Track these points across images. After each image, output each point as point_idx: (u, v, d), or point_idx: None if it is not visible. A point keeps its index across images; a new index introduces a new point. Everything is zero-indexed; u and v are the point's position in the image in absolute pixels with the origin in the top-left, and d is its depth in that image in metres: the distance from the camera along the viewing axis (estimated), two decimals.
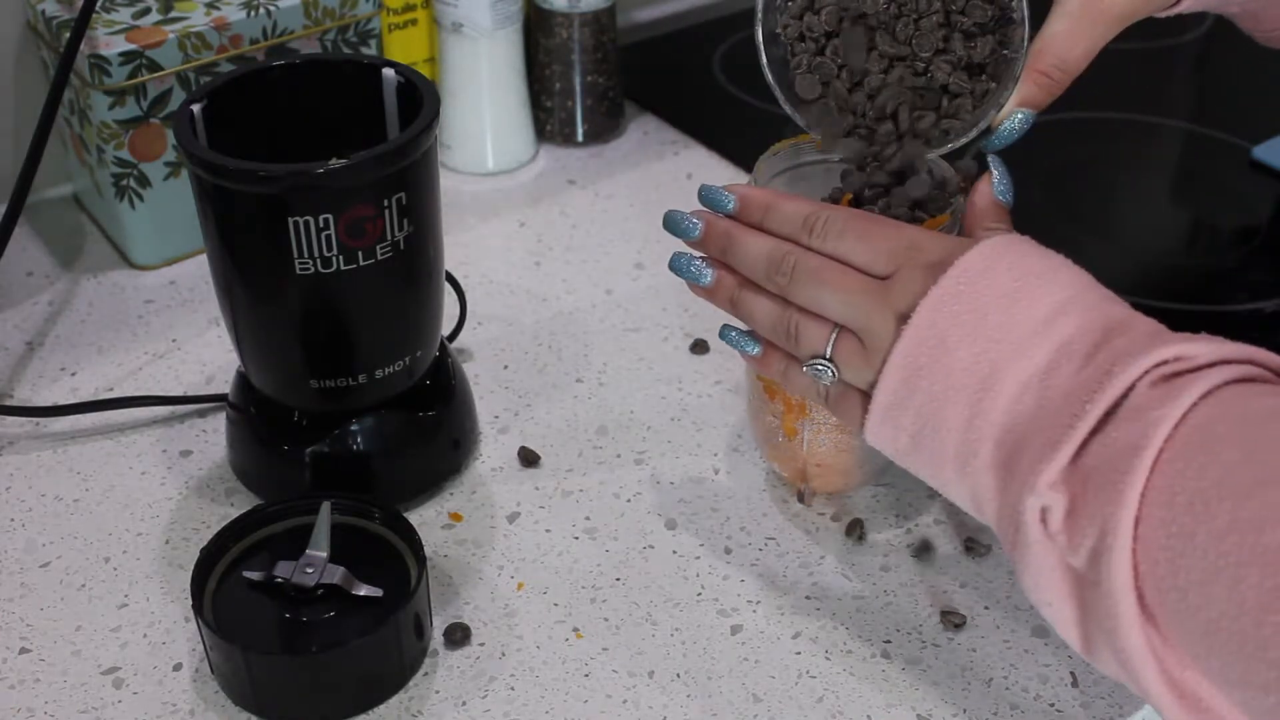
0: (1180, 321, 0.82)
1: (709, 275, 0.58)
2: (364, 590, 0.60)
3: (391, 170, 0.59)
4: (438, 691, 0.60)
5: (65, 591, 0.64)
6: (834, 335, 0.53)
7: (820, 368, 0.54)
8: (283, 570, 0.60)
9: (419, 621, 0.60)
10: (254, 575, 0.60)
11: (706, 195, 0.58)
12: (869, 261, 0.53)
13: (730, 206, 0.57)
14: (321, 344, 0.64)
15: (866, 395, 0.53)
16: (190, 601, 0.59)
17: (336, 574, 0.59)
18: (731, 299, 0.57)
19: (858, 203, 0.60)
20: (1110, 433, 0.45)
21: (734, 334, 0.59)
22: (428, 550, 0.66)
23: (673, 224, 0.58)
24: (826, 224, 0.54)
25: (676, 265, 0.59)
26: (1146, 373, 0.46)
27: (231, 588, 0.60)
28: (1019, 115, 0.59)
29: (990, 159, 0.58)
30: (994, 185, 0.57)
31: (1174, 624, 0.44)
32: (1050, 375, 0.48)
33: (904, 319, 0.50)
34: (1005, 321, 0.49)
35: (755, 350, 0.58)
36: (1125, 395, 0.46)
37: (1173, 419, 0.44)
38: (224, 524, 0.62)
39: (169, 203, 0.85)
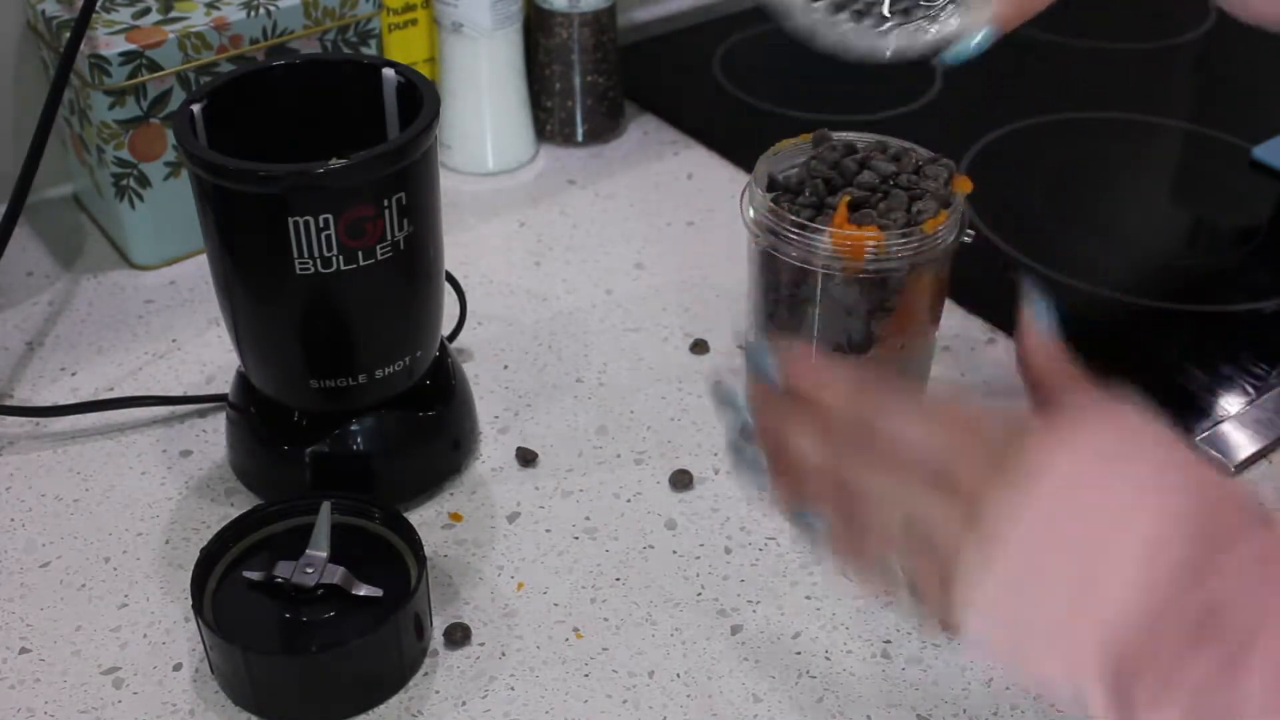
0: (1180, 321, 0.83)
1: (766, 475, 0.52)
2: (364, 590, 0.60)
3: (391, 170, 0.59)
4: (437, 691, 0.60)
5: (65, 591, 0.64)
6: (913, 570, 0.49)
7: (903, 599, 0.49)
8: (283, 570, 0.60)
9: (419, 621, 0.60)
10: (254, 575, 0.60)
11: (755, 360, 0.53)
12: (931, 455, 0.48)
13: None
14: (321, 344, 0.64)
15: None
16: (190, 601, 0.59)
17: (336, 574, 0.60)
18: (794, 494, 0.52)
19: (856, 205, 0.60)
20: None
21: (802, 529, 0.52)
22: (428, 550, 0.66)
23: (745, 468, 0.53)
24: (883, 419, 0.49)
25: (736, 455, 0.53)
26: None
27: (231, 588, 0.60)
28: (984, 31, 0.56)
29: (1026, 284, 0.53)
30: (1038, 321, 0.53)
31: None
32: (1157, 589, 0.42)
33: (975, 521, 0.45)
34: (1101, 538, 0.44)
35: (825, 551, 0.51)
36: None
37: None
38: (224, 524, 0.62)
39: (169, 203, 0.85)
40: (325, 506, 0.62)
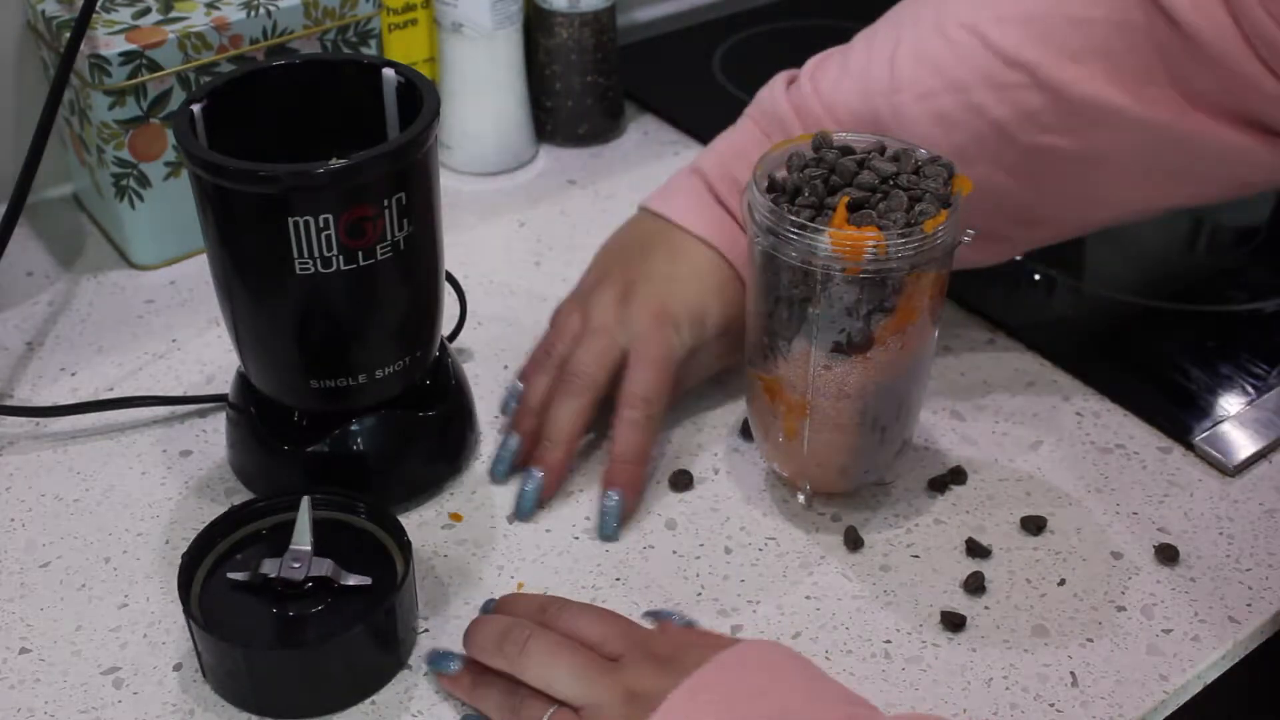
0: (1181, 321, 0.83)
1: (455, 664, 0.59)
2: (352, 580, 0.60)
3: (391, 170, 0.59)
4: (437, 691, 0.60)
5: (65, 591, 0.64)
6: (553, 710, 0.54)
7: None
8: (269, 567, 0.60)
9: (411, 609, 0.61)
10: (240, 575, 0.60)
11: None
12: (600, 640, 0.56)
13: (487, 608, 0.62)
14: (321, 344, 0.64)
15: None
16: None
17: (324, 566, 0.60)
18: (470, 683, 0.58)
19: (855, 206, 0.60)
20: None
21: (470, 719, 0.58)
22: (427, 551, 0.66)
23: (437, 664, 0.60)
24: (562, 606, 0.59)
25: (430, 659, 0.60)
26: None
27: (218, 588, 0.60)
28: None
29: None
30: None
31: None
32: None
33: (635, 698, 0.52)
34: (752, 712, 0.50)
35: None
36: None
37: None
38: (203, 526, 0.62)
39: (169, 203, 0.85)
40: (304, 501, 0.62)
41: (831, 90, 0.72)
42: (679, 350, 0.70)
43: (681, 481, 0.70)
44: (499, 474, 0.70)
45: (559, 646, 0.55)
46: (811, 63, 0.75)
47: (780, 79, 0.75)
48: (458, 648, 0.61)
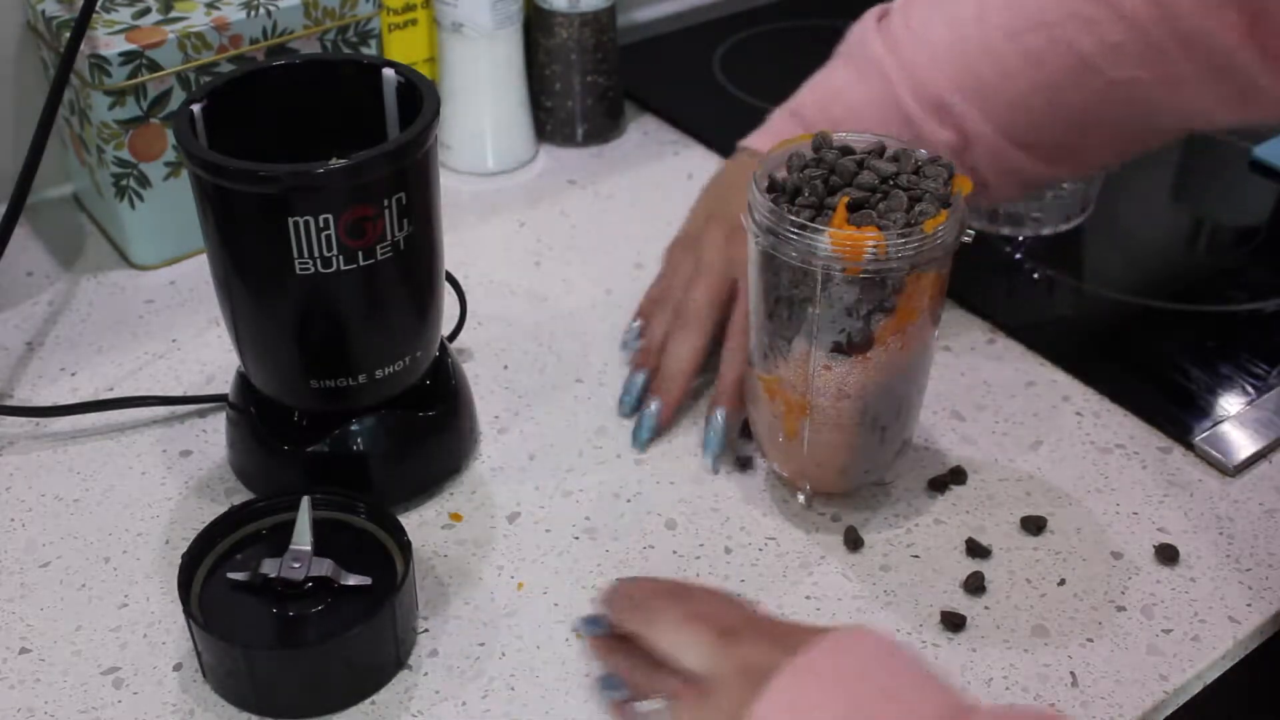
0: (1181, 321, 0.83)
1: (599, 627, 0.59)
2: (353, 580, 0.60)
3: (391, 170, 0.59)
4: (437, 691, 0.60)
5: (65, 591, 0.64)
6: (677, 682, 0.55)
7: (656, 706, 0.56)
8: (269, 567, 0.60)
9: (411, 608, 0.61)
10: (240, 575, 0.60)
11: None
12: (722, 615, 0.57)
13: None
14: (321, 344, 0.64)
15: None
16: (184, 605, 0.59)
17: (324, 566, 0.60)
18: (609, 647, 0.59)
19: (855, 206, 0.60)
20: None
21: (607, 680, 0.59)
22: (427, 551, 0.66)
23: (586, 626, 0.60)
24: (687, 583, 0.62)
25: (581, 623, 0.62)
26: None
27: (218, 588, 0.60)
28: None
29: None
30: None
31: None
32: None
33: (750, 671, 0.53)
34: (859, 693, 0.51)
35: (619, 695, 0.58)
36: None
37: None
38: (203, 527, 0.62)
39: (169, 203, 0.85)
40: (304, 501, 0.62)
41: (923, 28, 0.74)
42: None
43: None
44: (626, 407, 0.74)
45: (684, 618, 0.57)
46: (901, 1, 0.77)
47: (871, 15, 0.77)
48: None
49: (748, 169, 0.74)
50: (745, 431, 0.73)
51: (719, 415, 0.72)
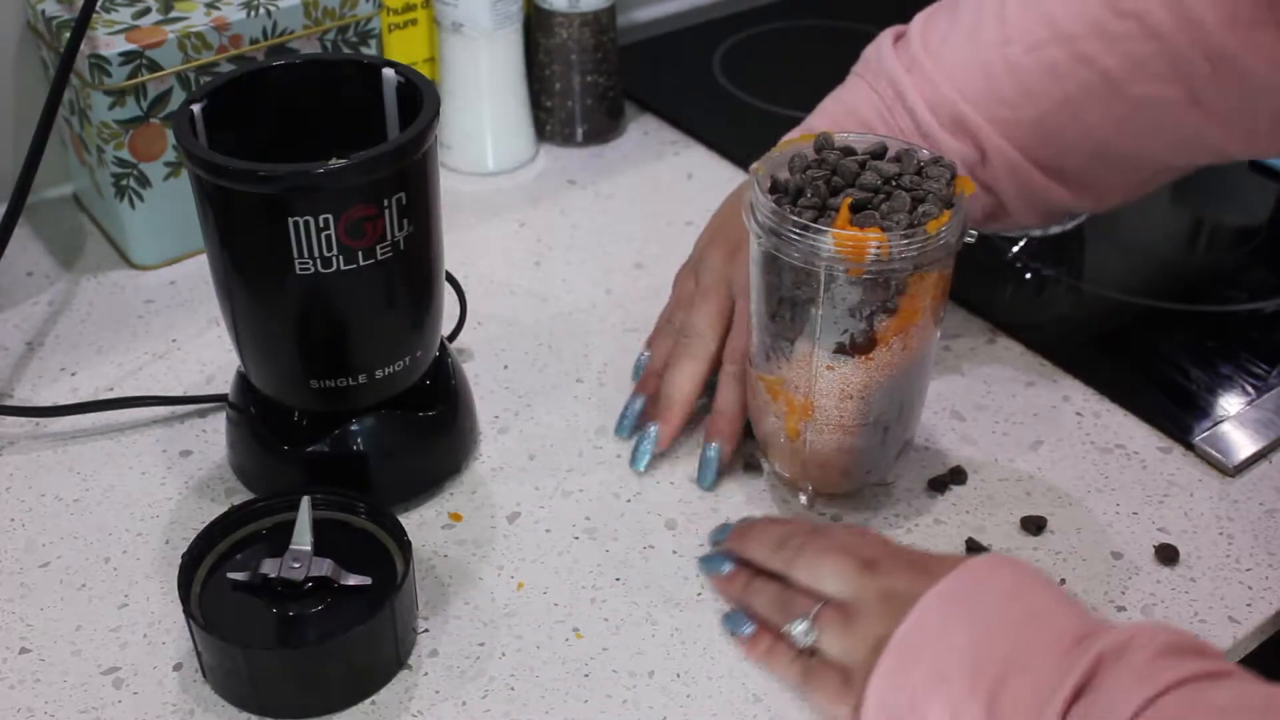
0: (1181, 321, 0.83)
1: (727, 565, 0.64)
2: (353, 580, 0.60)
3: (391, 170, 0.59)
4: (437, 691, 0.60)
5: (65, 591, 0.64)
6: (820, 605, 0.58)
7: (799, 628, 0.58)
8: (269, 567, 0.60)
9: (411, 608, 0.61)
10: (240, 575, 0.60)
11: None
12: (859, 546, 0.60)
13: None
14: (321, 344, 0.64)
15: (839, 671, 0.57)
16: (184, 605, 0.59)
17: (324, 566, 0.60)
18: (743, 585, 0.63)
19: (858, 207, 0.60)
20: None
21: (734, 619, 0.62)
22: (427, 551, 0.66)
23: (709, 565, 0.65)
24: (818, 525, 0.65)
25: (702, 561, 0.66)
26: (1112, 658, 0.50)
27: (219, 588, 0.60)
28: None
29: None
30: None
31: None
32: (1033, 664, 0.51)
33: (892, 598, 0.56)
34: (1004, 614, 0.53)
35: (748, 631, 0.62)
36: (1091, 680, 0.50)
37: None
38: (203, 526, 0.62)
39: (169, 203, 0.85)
40: (305, 501, 0.62)
41: (941, 45, 0.73)
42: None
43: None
44: (622, 432, 0.74)
45: (827, 550, 0.60)
46: (920, 18, 0.75)
47: (887, 35, 0.76)
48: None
49: None
50: (748, 432, 0.73)
51: (712, 450, 0.71)
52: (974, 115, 0.71)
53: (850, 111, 0.74)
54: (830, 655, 0.57)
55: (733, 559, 0.64)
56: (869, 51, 0.76)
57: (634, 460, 0.72)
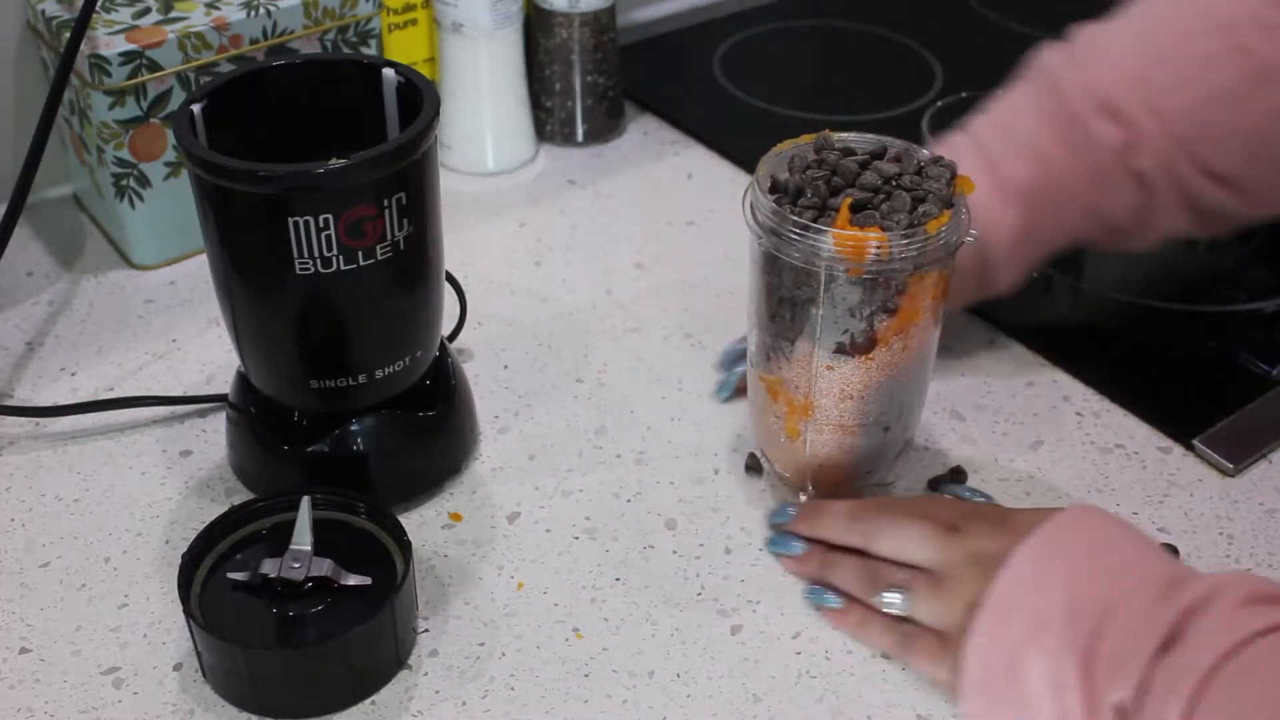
0: (1181, 321, 0.83)
1: (798, 545, 0.65)
2: (353, 580, 0.60)
3: (391, 170, 0.59)
4: (437, 691, 0.60)
5: (65, 591, 0.64)
6: (910, 574, 0.60)
7: (892, 598, 0.60)
8: (269, 567, 0.60)
9: (411, 608, 0.61)
10: (240, 575, 0.60)
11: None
12: (935, 513, 0.61)
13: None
14: (321, 344, 0.64)
15: (935, 636, 0.58)
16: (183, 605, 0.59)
17: (324, 566, 0.60)
18: (820, 562, 0.64)
19: (858, 207, 0.60)
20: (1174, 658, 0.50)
21: (817, 593, 0.64)
22: (427, 551, 0.66)
23: (779, 547, 0.66)
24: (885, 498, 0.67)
25: (771, 542, 0.67)
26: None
27: (219, 588, 0.60)
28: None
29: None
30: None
31: None
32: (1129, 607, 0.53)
33: (980, 559, 0.57)
34: (1093, 566, 0.55)
35: (837, 604, 0.63)
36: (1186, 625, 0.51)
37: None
38: (203, 526, 0.62)
39: (169, 203, 0.85)
40: (305, 501, 0.62)
41: (1099, 35, 0.72)
42: None
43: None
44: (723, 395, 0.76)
45: (907, 519, 0.61)
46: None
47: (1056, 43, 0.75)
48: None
49: None
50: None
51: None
52: (1128, 102, 0.70)
53: (1004, 101, 0.74)
54: (925, 622, 0.59)
55: (800, 539, 0.65)
56: (1035, 56, 0.75)
57: (720, 387, 0.75)
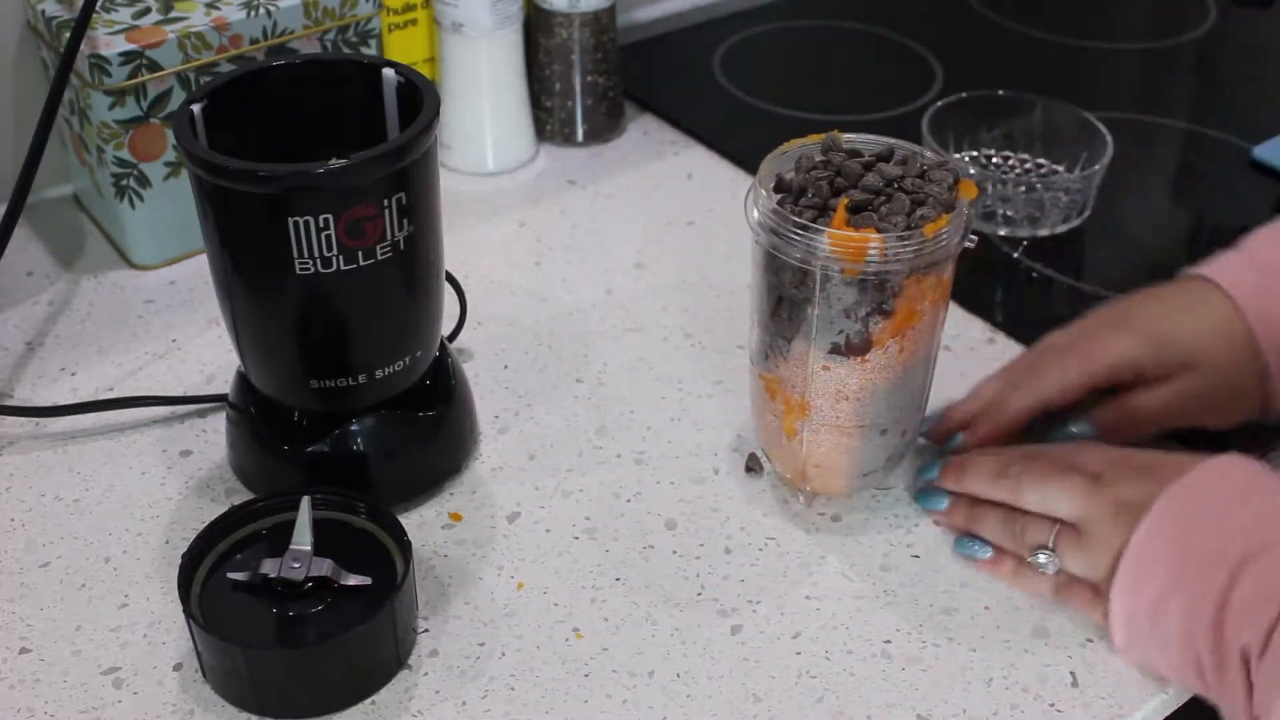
0: None
1: (945, 500, 0.67)
2: (353, 580, 0.60)
3: (391, 170, 0.59)
4: (437, 691, 0.60)
5: (65, 591, 0.64)
6: (1055, 529, 0.61)
7: (1044, 558, 0.62)
8: (269, 567, 0.60)
9: (411, 608, 0.61)
10: (240, 575, 0.60)
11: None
12: (1081, 462, 0.62)
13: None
14: (321, 344, 0.64)
15: (1088, 585, 0.61)
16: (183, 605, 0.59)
17: (324, 566, 0.60)
18: (967, 515, 0.66)
19: (858, 208, 0.60)
20: None
21: (966, 543, 0.66)
22: (427, 551, 0.66)
23: (926, 502, 0.68)
24: (1033, 446, 0.66)
25: (920, 497, 0.69)
26: None
27: (218, 588, 0.60)
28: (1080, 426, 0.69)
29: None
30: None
31: None
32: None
33: (1124, 508, 0.58)
34: (1232, 516, 0.56)
35: (988, 554, 0.65)
36: None
37: None
38: (203, 526, 0.62)
39: (169, 203, 0.85)
40: (305, 501, 0.62)
41: None
42: (1116, 355, 0.68)
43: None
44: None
45: (1052, 470, 0.62)
46: None
47: None
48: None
49: (1183, 295, 0.70)
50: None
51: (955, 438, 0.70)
52: None
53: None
54: (1076, 573, 0.61)
55: (946, 493, 0.67)
56: None
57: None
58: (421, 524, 0.68)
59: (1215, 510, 0.56)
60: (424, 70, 0.96)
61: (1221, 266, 0.70)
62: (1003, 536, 0.64)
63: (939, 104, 0.94)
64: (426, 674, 0.60)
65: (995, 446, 0.68)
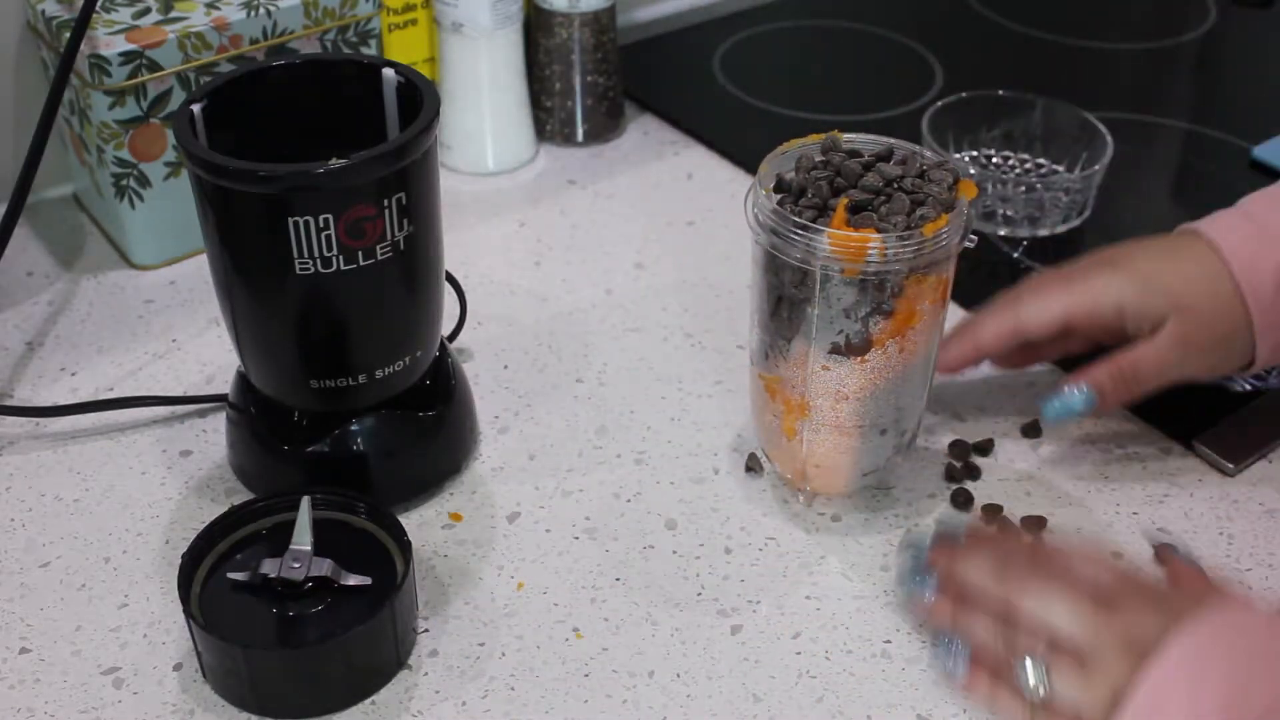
0: None
1: (930, 591, 0.60)
2: (353, 580, 0.60)
3: (391, 170, 0.59)
4: (437, 691, 0.60)
5: (65, 591, 0.64)
6: (1048, 649, 0.55)
7: (1030, 668, 0.55)
8: (268, 567, 0.60)
9: (410, 608, 0.61)
10: (240, 575, 0.60)
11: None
12: (1094, 577, 0.56)
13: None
14: (321, 344, 0.64)
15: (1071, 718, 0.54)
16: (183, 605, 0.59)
17: (324, 566, 0.60)
18: (953, 608, 0.59)
19: (858, 208, 0.60)
20: None
21: (945, 651, 0.59)
22: (427, 551, 0.66)
23: (911, 585, 0.61)
24: (1050, 546, 0.62)
25: (904, 578, 0.61)
26: None
27: (218, 588, 0.60)
28: (1081, 392, 0.67)
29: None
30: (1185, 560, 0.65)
31: None
32: None
33: (1133, 646, 0.52)
34: (1254, 668, 0.51)
35: (962, 671, 0.58)
36: None
37: None
38: (203, 526, 0.62)
39: (169, 203, 0.85)
40: (305, 501, 0.62)
41: None
42: (1099, 288, 0.68)
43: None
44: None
45: (1059, 583, 0.56)
46: None
47: None
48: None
49: (1173, 244, 0.70)
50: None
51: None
52: None
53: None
54: (1064, 702, 0.54)
55: (933, 577, 0.60)
56: None
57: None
58: (421, 524, 0.68)
59: (1234, 659, 0.51)
60: (424, 70, 0.96)
61: (1213, 220, 0.71)
62: (987, 637, 0.57)
63: (939, 104, 0.94)
64: (426, 674, 0.60)
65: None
